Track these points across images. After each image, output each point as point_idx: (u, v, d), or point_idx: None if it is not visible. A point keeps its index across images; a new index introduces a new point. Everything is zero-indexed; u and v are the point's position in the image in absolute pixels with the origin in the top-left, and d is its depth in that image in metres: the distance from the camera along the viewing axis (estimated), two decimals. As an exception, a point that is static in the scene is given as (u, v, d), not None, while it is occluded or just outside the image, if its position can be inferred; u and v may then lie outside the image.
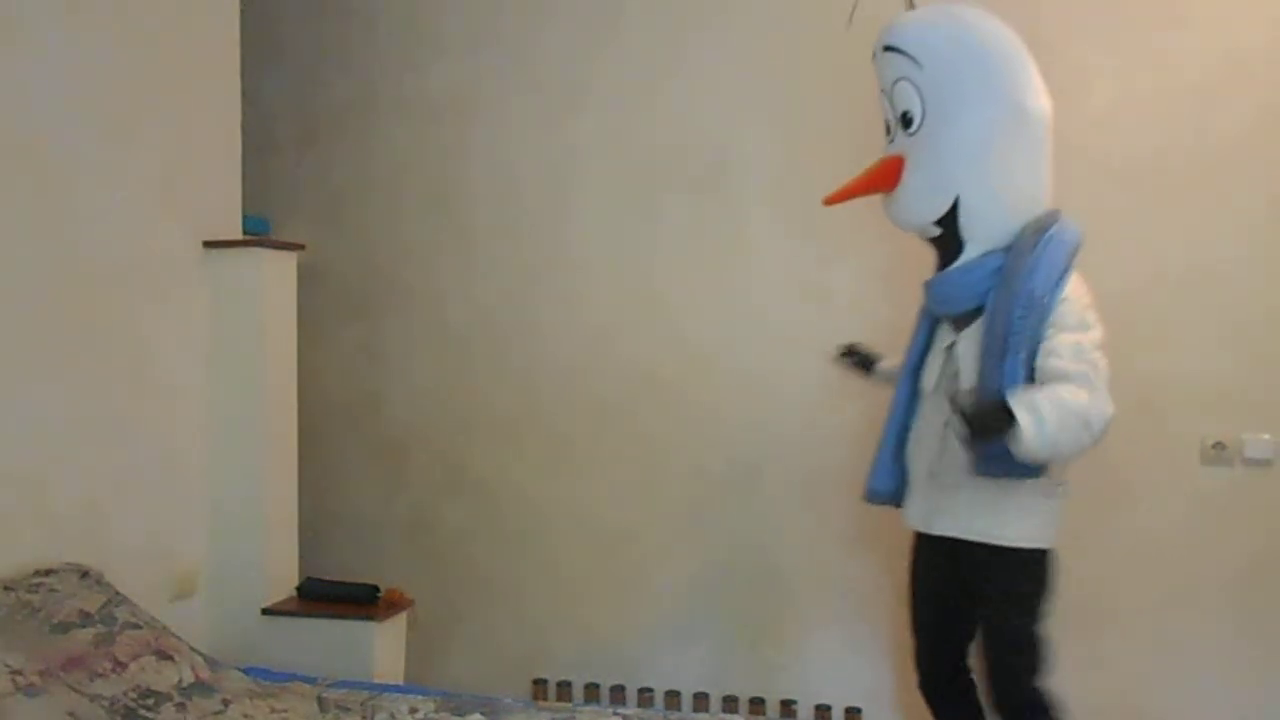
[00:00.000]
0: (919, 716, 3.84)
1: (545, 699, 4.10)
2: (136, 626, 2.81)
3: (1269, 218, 3.61)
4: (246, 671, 3.02)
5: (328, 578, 3.77)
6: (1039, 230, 2.83)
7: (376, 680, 3.37)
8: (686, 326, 4.11)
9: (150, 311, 3.38)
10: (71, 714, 2.38)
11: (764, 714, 4.00)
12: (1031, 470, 2.75)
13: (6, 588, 2.69)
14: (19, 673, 2.39)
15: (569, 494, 4.17)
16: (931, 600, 3.19)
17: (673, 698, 4.09)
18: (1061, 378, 2.65)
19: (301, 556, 3.82)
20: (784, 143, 4.01)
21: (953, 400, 2.76)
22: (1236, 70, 3.63)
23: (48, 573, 2.82)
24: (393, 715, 2.76)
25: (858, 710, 3.94)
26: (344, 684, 3.03)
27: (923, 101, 2.88)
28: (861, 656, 3.97)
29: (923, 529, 3.06)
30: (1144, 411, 3.69)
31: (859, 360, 3.51)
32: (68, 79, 3.07)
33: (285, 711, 2.73)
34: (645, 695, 4.12)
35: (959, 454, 2.84)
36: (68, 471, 3.05)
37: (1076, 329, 2.74)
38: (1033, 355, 2.73)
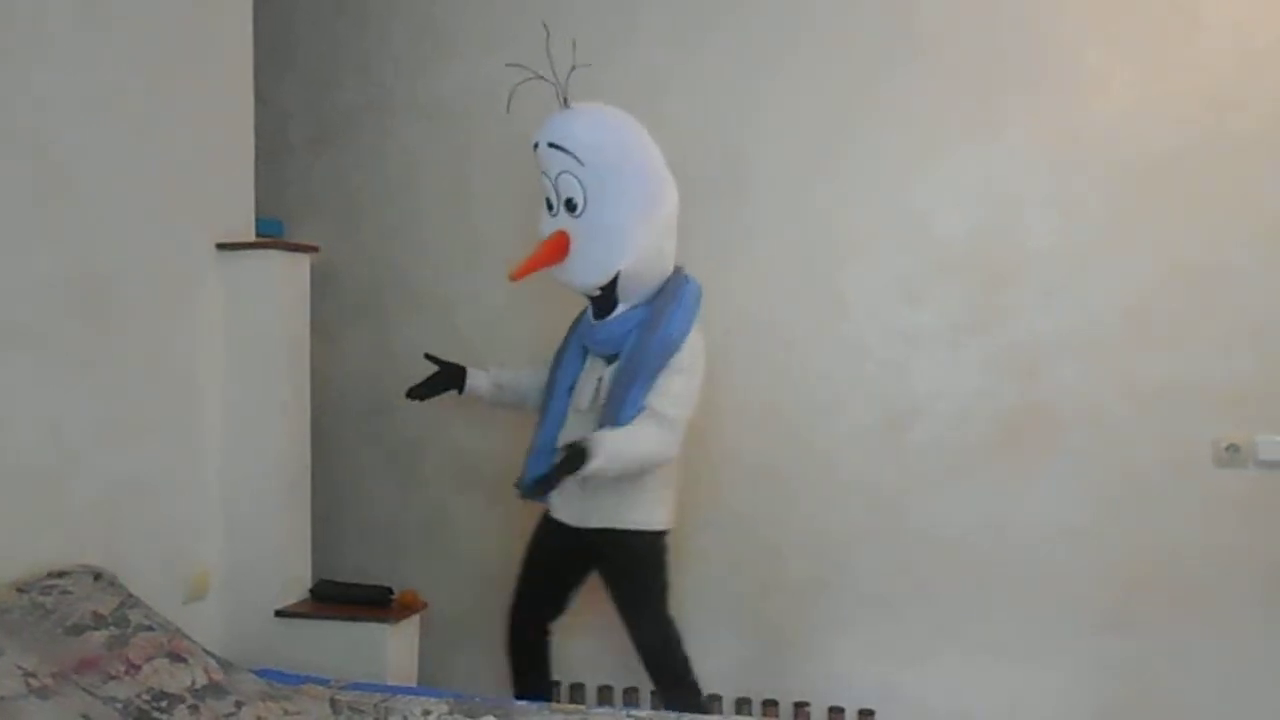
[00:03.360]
0: (933, 717, 3.86)
1: (558, 701, 4.09)
2: (150, 628, 2.81)
3: (1283, 217, 3.61)
4: (259, 673, 3.02)
5: (341, 579, 3.77)
6: (676, 288, 3.49)
7: (390, 682, 3.37)
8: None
9: (164, 313, 3.38)
10: (84, 716, 2.38)
11: (777, 716, 3.99)
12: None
13: (20, 589, 2.69)
14: (32, 674, 2.38)
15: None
16: (548, 572, 3.71)
17: (631, 694, 4.09)
18: (658, 415, 3.32)
19: (315, 558, 3.81)
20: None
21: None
22: (1253, 72, 3.63)
23: (61, 574, 2.82)
24: (406, 717, 2.75)
25: (871, 712, 3.92)
26: (357, 686, 3.03)
27: (584, 192, 3.41)
28: (875, 658, 3.96)
29: (579, 524, 3.52)
30: (1157, 413, 3.70)
31: (443, 372, 3.84)
32: (82, 81, 3.08)
33: (298, 714, 2.72)
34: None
35: None
36: (81, 473, 3.05)
37: (686, 372, 3.40)
38: (649, 387, 3.36)
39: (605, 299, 3.50)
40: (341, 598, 3.63)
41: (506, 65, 3.62)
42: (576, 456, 3.18)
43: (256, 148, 3.75)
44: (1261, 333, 3.63)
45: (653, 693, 3.72)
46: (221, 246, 3.58)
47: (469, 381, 3.85)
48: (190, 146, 3.46)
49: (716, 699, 4.01)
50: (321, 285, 3.98)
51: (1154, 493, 3.71)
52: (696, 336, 3.45)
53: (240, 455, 3.57)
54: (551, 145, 3.45)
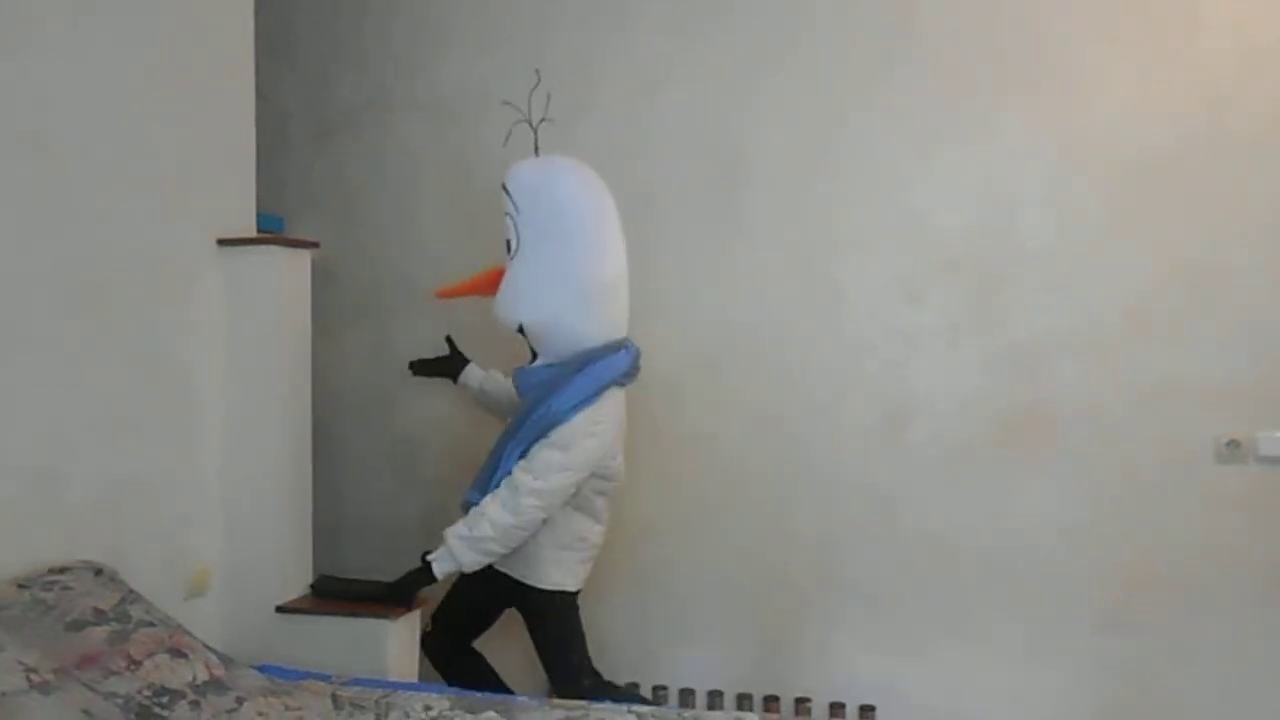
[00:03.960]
0: (933, 714, 3.86)
1: (560, 697, 4.09)
2: (151, 624, 2.81)
3: (1282, 214, 3.61)
4: (260, 669, 3.02)
5: (342, 575, 3.76)
6: (590, 360, 3.41)
7: (391, 678, 3.37)
8: (693, 324, 4.11)
9: (164, 309, 3.37)
10: (86, 711, 2.38)
11: (778, 712, 4.00)
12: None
13: (21, 585, 2.69)
14: (33, 670, 2.38)
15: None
16: (471, 599, 3.75)
17: (687, 695, 4.10)
18: (512, 483, 3.36)
19: (315, 554, 3.81)
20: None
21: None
22: (1252, 70, 3.65)
23: (62, 570, 2.82)
24: (407, 713, 2.75)
25: (871, 708, 3.94)
26: (358, 682, 3.03)
27: (518, 237, 3.50)
28: (875, 654, 3.97)
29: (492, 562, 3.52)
30: (1157, 410, 3.71)
31: (449, 358, 3.94)
32: (81, 77, 3.07)
33: (299, 709, 2.73)
34: (659, 693, 4.12)
35: None
36: (82, 469, 3.05)
37: (558, 448, 3.34)
38: (527, 450, 3.38)
39: (530, 342, 3.57)
40: (342, 594, 3.63)
41: (503, 103, 3.70)
42: (421, 574, 3.44)
43: (257, 144, 3.75)
44: (1261, 329, 3.64)
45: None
46: (222, 242, 3.57)
47: (463, 376, 3.98)
48: (191, 143, 3.46)
49: (718, 695, 4.03)
50: (321, 282, 3.98)
51: (1154, 490, 3.72)
52: (595, 410, 3.39)
53: (241, 452, 3.57)
54: (503, 187, 3.55)
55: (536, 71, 3.67)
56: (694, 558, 4.05)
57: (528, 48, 4.33)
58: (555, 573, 3.54)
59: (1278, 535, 3.63)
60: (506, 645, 3.85)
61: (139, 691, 2.56)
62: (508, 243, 3.54)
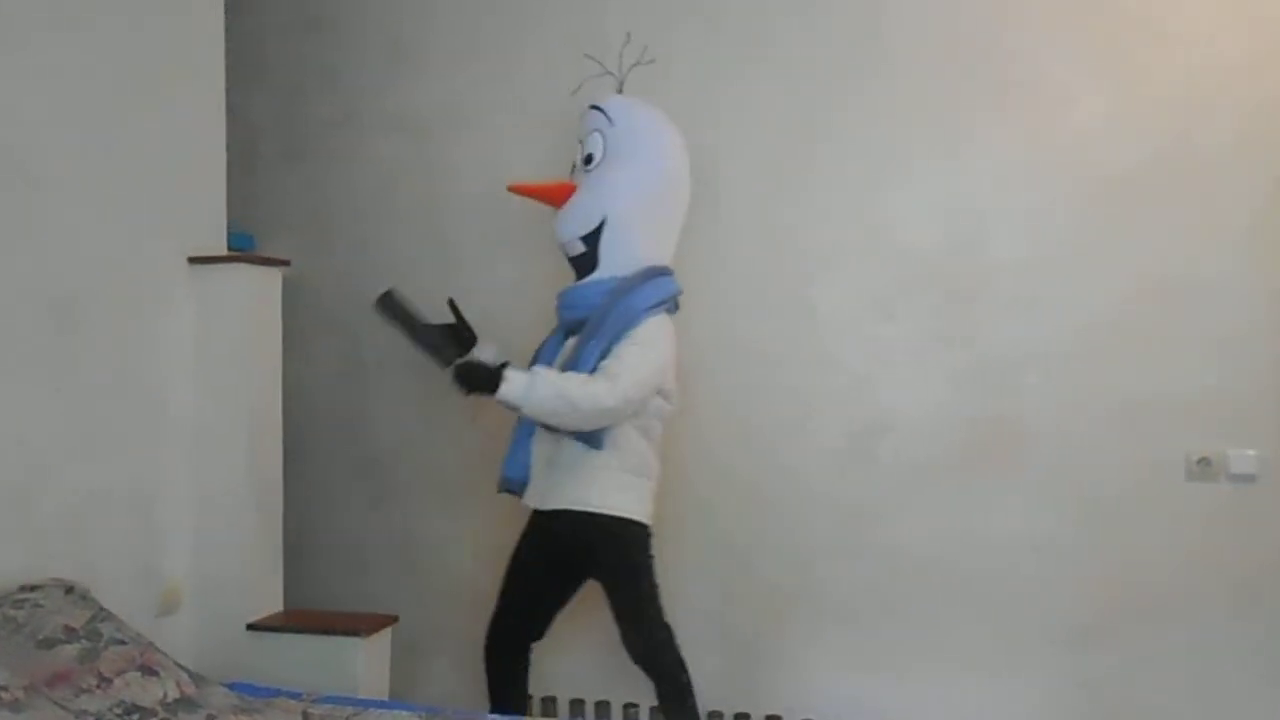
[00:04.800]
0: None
1: (530, 714, 4.09)
2: (122, 642, 2.80)
3: (1252, 230, 3.65)
4: (231, 687, 3.01)
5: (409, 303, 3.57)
6: (652, 272, 3.54)
7: (362, 696, 3.37)
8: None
9: (135, 327, 3.37)
10: (56, 729, 2.38)
11: (748, 729, 4.01)
12: (591, 440, 3.41)
13: (-9, 603, 2.69)
14: (4, 688, 2.38)
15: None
16: (528, 574, 3.66)
17: (656, 714, 4.09)
18: (603, 371, 3.33)
19: (285, 572, 3.80)
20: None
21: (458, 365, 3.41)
22: (1217, 84, 3.67)
23: (33, 588, 2.81)
24: (378, 730, 2.76)
25: (842, 724, 3.94)
26: (329, 699, 3.02)
27: (604, 149, 3.60)
28: (846, 670, 3.98)
29: (539, 506, 3.55)
30: (1127, 427, 3.72)
31: (460, 326, 3.65)
32: (52, 94, 3.08)
33: (270, 727, 2.73)
34: (630, 711, 4.12)
35: (569, 443, 3.44)
36: (53, 487, 3.05)
37: (641, 344, 3.39)
38: (608, 350, 3.38)
39: (586, 259, 3.58)
40: (403, 320, 3.50)
41: (585, 56, 3.92)
42: (488, 375, 3.30)
43: (228, 162, 3.75)
44: (1231, 346, 3.65)
45: (653, 709, 3.73)
46: (193, 260, 3.57)
47: (475, 354, 3.58)
48: (162, 160, 3.46)
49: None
50: (292, 299, 3.98)
51: (1124, 507, 3.74)
52: (663, 320, 3.49)
53: (211, 469, 3.57)
54: (592, 106, 3.69)
55: (628, 33, 3.92)
56: (663, 574, 4.04)
57: (497, 65, 4.35)
58: (626, 499, 3.49)
59: (1248, 552, 3.64)
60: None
61: (110, 709, 2.55)
62: (588, 156, 3.62)
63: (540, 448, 3.57)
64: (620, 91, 3.78)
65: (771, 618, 4.06)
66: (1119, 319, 3.73)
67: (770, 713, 4.02)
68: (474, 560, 4.33)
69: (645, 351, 3.39)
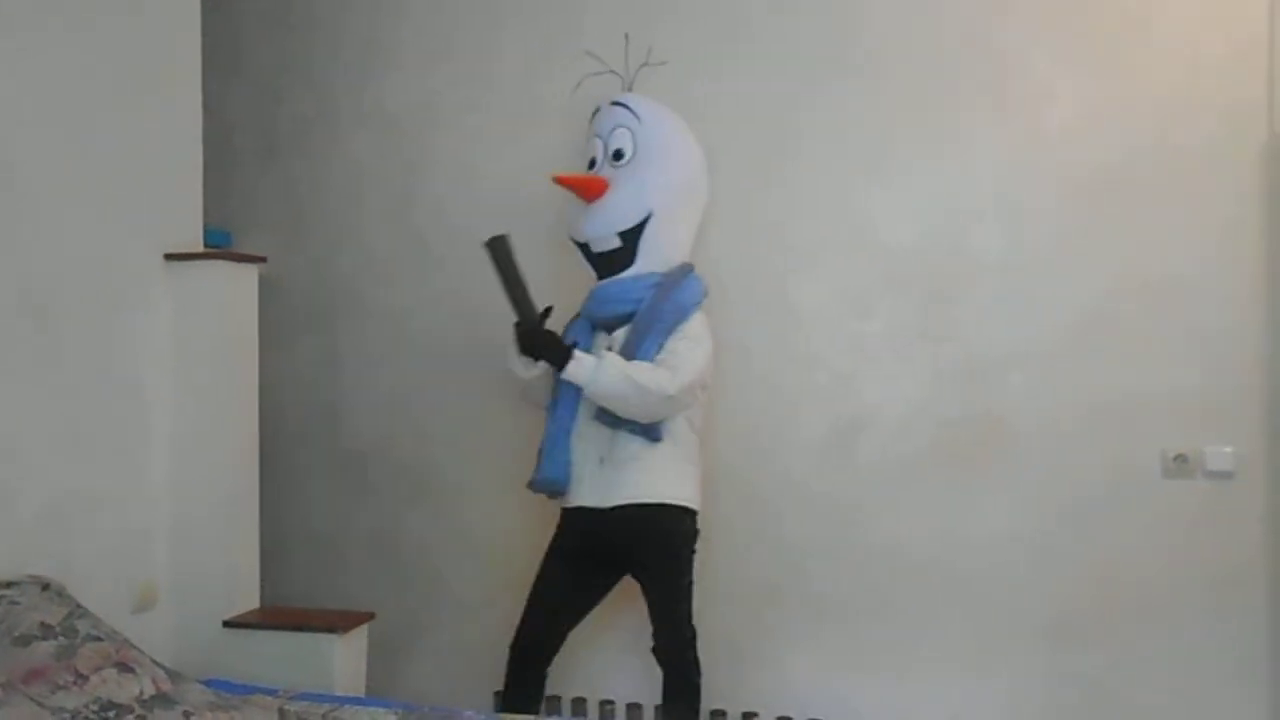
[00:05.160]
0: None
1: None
2: (98, 639, 2.80)
3: (1231, 228, 3.66)
4: (208, 684, 3.01)
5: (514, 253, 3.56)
6: (688, 268, 3.69)
7: (338, 692, 3.37)
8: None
9: (112, 323, 3.37)
10: (33, 726, 2.38)
11: (725, 725, 4.02)
12: (649, 433, 3.49)
13: (-33, 600, 2.68)
14: (-20, 685, 2.38)
15: (530, 505, 4.17)
16: (564, 579, 3.67)
17: (634, 710, 4.11)
18: (662, 361, 3.44)
19: (262, 568, 3.80)
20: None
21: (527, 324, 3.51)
22: (1199, 80, 3.68)
23: (9, 585, 2.80)
24: (355, 726, 2.76)
25: (822, 722, 3.96)
26: (305, 696, 3.03)
27: (635, 144, 3.67)
28: (825, 667, 3.99)
29: (599, 504, 3.55)
30: (1106, 424, 3.74)
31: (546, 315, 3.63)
32: (27, 89, 3.07)
33: (247, 723, 2.73)
34: (606, 708, 4.13)
35: (627, 439, 3.50)
36: (28, 484, 3.04)
37: (691, 340, 3.52)
38: (660, 346, 3.48)
39: (621, 255, 3.63)
40: (504, 271, 3.50)
41: (586, 53, 3.98)
42: (559, 351, 3.43)
43: (204, 158, 3.74)
44: (1210, 343, 3.66)
45: (658, 707, 3.73)
46: (169, 257, 3.57)
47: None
48: (138, 156, 3.46)
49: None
50: (268, 296, 3.97)
51: (1103, 503, 3.75)
52: (704, 315, 3.63)
53: (188, 465, 3.56)
54: (615, 103, 3.75)
55: (626, 35, 4.00)
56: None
57: (472, 62, 4.35)
58: (689, 489, 3.60)
59: (1226, 549, 3.66)
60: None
61: (86, 706, 2.55)
62: (617, 151, 3.68)
63: (586, 446, 3.59)
64: (630, 88, 3.89)
65: (752, 613, 4.06)
66: (1099, 316, 3.74)
67: (747, 709, 4.03)
68: (451, 557, 4.34)
69: (695, 346, 3.52)
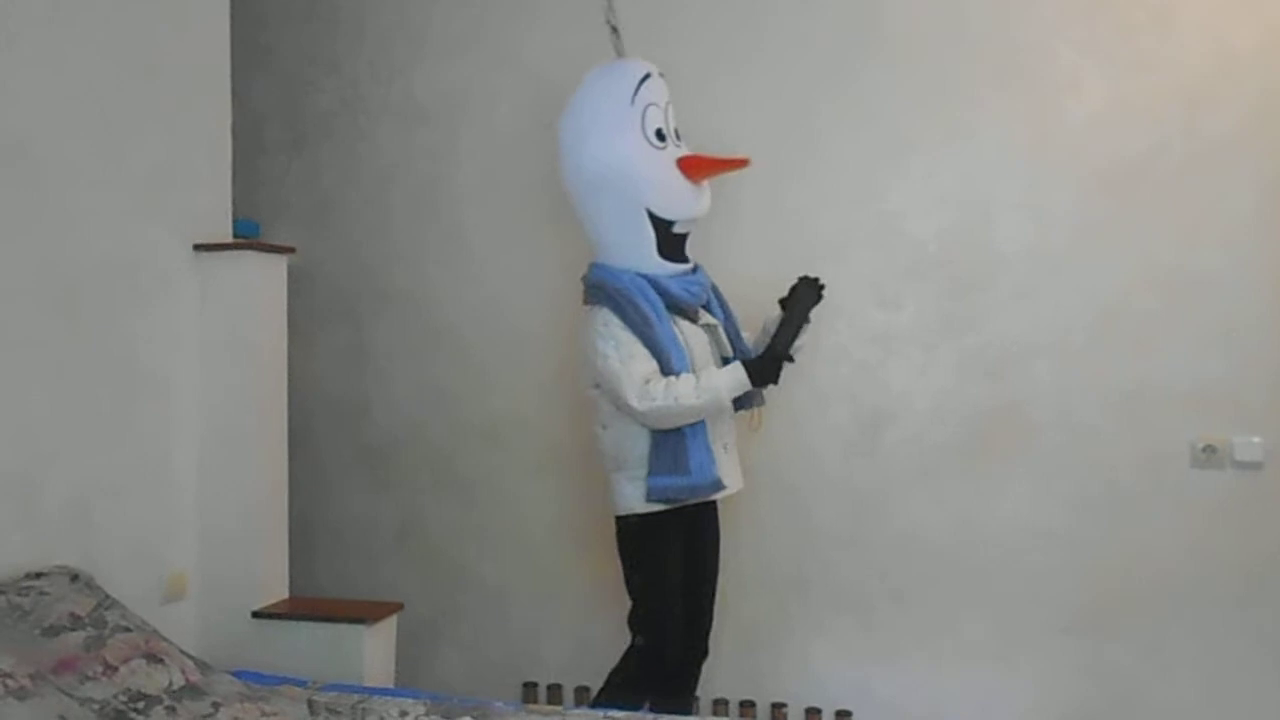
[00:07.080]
0: (909, 719, 3.87)
1: (536, 702, 4.10)
2: (127, 629, 2.80)
3: (1257, 219, 3.64)
4: (237, 675, 3.02)
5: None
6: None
7: (367, 683, 3.37)
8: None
9: (140, 314, 3.37)
10: (62, 717, 2.38)
11: (754, 717, 4.01)
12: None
13: (-3, 591, 2.69)
14: (9, 676, 2.38)
15: (558, 496, 4.17)
16: (687, 577, 3.49)
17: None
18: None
19: (290, 559, 3.80)
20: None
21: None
22: (1225, 72, 3.66)
23: (38, 575, 2.82)
24: (383, 718, 2.75)
25: (848, 713, 3.94)
26: (334, 687, 3.02)
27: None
28: (851, 658, 3.98)
29: (738, 487, 3.53)
30: (1132, 415, 3.72)
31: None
32: (58, 82, 3.07)
33: (275, 715, 2.72)
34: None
35: (734, 420, 3.55)
36: (58, 474, 3.05)
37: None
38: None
39: (682, 241, 3.51)
40: (794, 312, 3.49)
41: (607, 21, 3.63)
42: (775, 369, 3.40)
43: (233, 149, 3.75)
44: (1236, 334, 3.65)
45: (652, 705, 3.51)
46: (198, 247, 3.57)
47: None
48: (167, 148, 3.46)
49: (694, 700, 4.02)
50: (296, 286, 3.97)
51: (1130, 495, 3.74)
52: None
53: (217, 457, 3.57)
54: (662, 74, 3.52)
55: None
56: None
57: (501, 51, 4.33)
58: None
59: (1253, 540, 3.65)
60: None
61: (115, 697, 2.56)
62: (673, 131, 3.48)
63: (717, 433, 3.43)
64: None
65: (779, 604, 4.06)
66: (1124, 307, 3.73)
67: (776, 700, 4.02)
68: (480, 548, 4.34)
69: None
